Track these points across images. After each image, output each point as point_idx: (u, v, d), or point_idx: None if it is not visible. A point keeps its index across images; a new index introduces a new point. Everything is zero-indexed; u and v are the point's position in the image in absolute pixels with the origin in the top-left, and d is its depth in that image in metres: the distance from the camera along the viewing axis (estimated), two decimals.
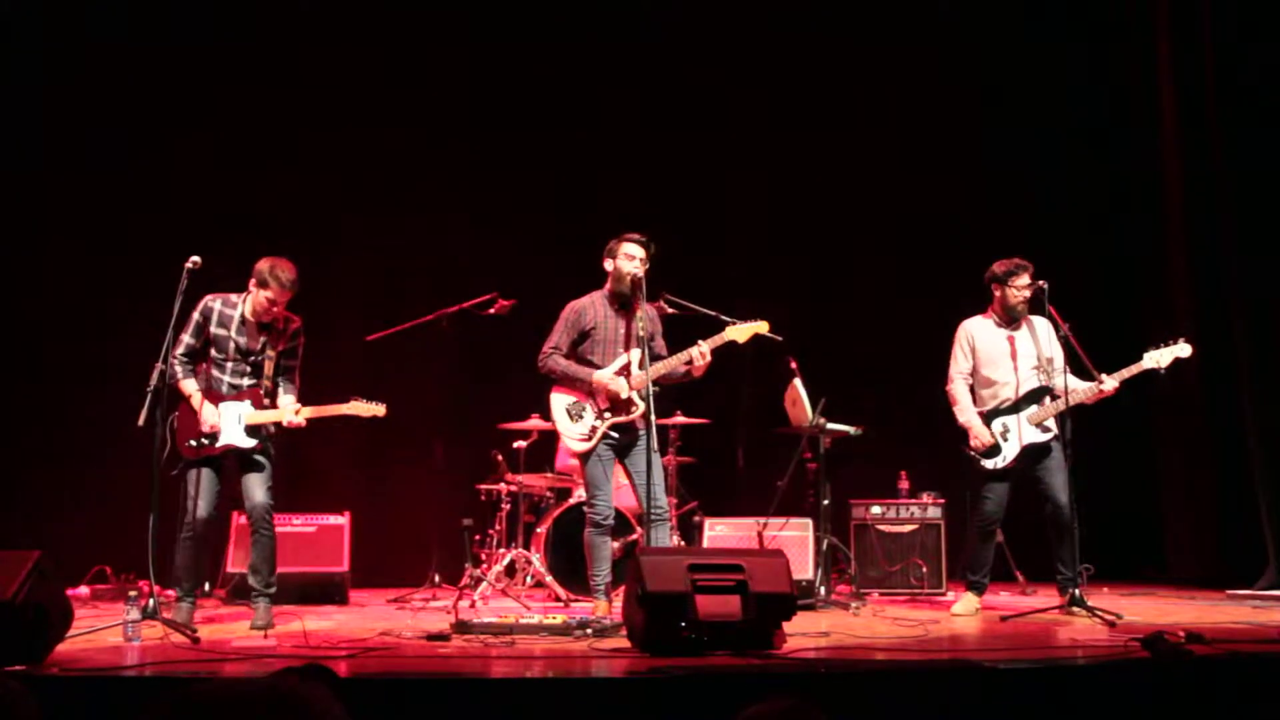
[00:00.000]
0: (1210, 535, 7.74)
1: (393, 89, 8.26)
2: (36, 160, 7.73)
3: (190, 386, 5.29)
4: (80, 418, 7.44)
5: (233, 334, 5.38)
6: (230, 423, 5.32)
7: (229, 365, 5.39)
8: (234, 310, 5.39)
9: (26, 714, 2.06)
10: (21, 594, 4.03)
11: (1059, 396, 5.88)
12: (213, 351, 5.37)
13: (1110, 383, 5.81)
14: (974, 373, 6.15)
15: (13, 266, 7.64)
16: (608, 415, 5.56)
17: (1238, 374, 7.48)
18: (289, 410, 5.35)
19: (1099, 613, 5.45)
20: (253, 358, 5.40)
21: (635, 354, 5.55)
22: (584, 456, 5.62)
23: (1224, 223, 7.62)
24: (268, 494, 5.39)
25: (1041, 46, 8.60)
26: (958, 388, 6.14)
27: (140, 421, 5.11)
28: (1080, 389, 5.86)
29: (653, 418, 5.28)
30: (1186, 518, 7.96)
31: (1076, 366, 5.96)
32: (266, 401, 5.39)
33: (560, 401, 5.68)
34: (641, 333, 5.48)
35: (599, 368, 5.62)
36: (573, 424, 5.63)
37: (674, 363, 5.54)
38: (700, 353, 5.46)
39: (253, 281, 5.32)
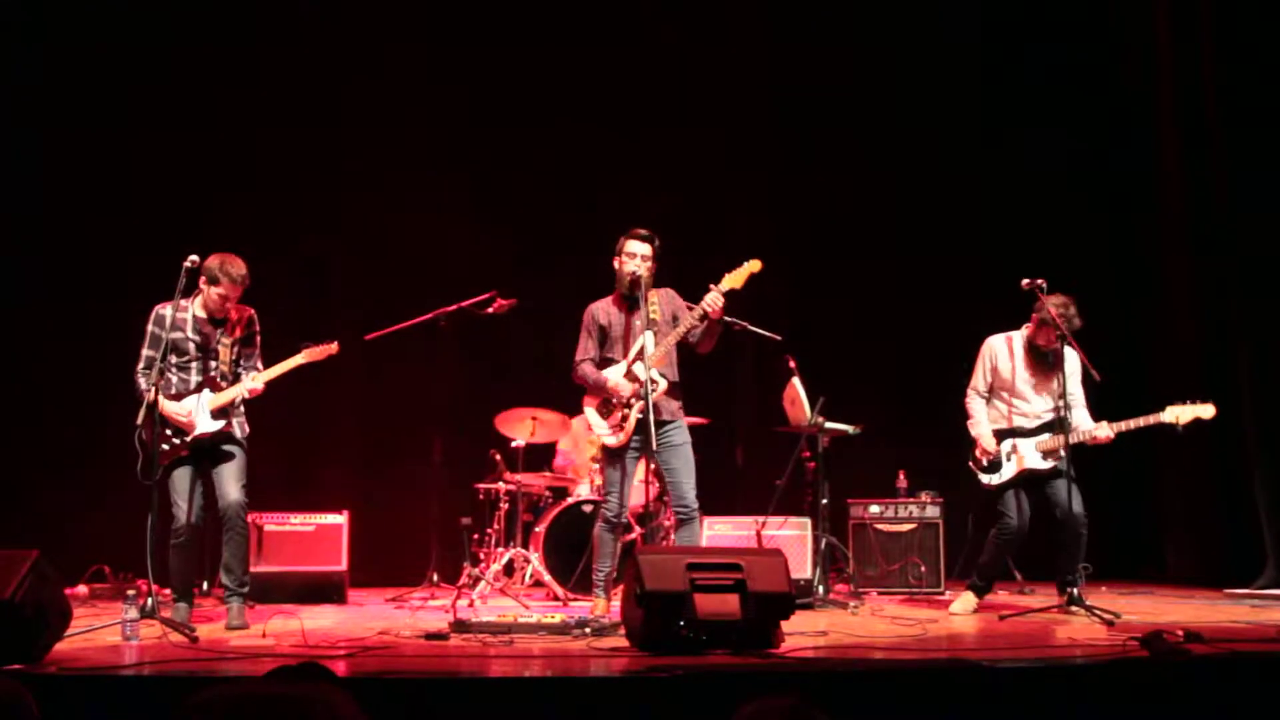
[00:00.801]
0: (1209, 534, 7.73)
1: (392, 88, 8.26)
2: (35, 160, 7.72)
3: (153, 394, 5.24)
4: (78, 418, 7.44)
5: (189, 334, 5.42)
6: (196, 412, 5.36)
7: (192, 365, 5.43)
8: (186, 313, 5.43)
9: (24, 713, 2.06)
10: (20, 593, 4.03)
11: (1073, 430, 5.83)
12: (172, 357, 5.39)
13: (1104, 431, 5.75)
14: (992, 390, 6.13)
15: (12, 267, 7.63)
16: (634, 401, 5.56)
17: (1236, 373, 7.48)
18: (246, 380, 5.41)
19: (1097, 612, 5.45)
20: (211, 352, 5.45)
21: (647, 336, 5.53)
22: (611, 453, 5.63)
23: (1223, 223, 7.62)
24: (241, 491, 5.40)
25: (1042, 46, 8.60)
26: (974, 402, 6.14)
27: (138, 421, 5.14)
28: (1081, 431, 5.80)
29: (650, 416, 5.26)
30: (1184, 517, 7.95)
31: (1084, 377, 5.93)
32: (224, 385, 5.42)
33: (592, 404, 5.71)
34: (655, 315, 5.49)
35: (618, 363, 5.66)
36: (604, 420, 5.64)
37: (682, 330, 5.50)
38: (710, 300, 5.40)
39: (203, 280, 5.37)
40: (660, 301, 5.60)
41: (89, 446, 7.30)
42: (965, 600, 6.02)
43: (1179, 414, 5.73)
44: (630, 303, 5.68)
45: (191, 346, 5.42)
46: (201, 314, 5.46)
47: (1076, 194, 8.63)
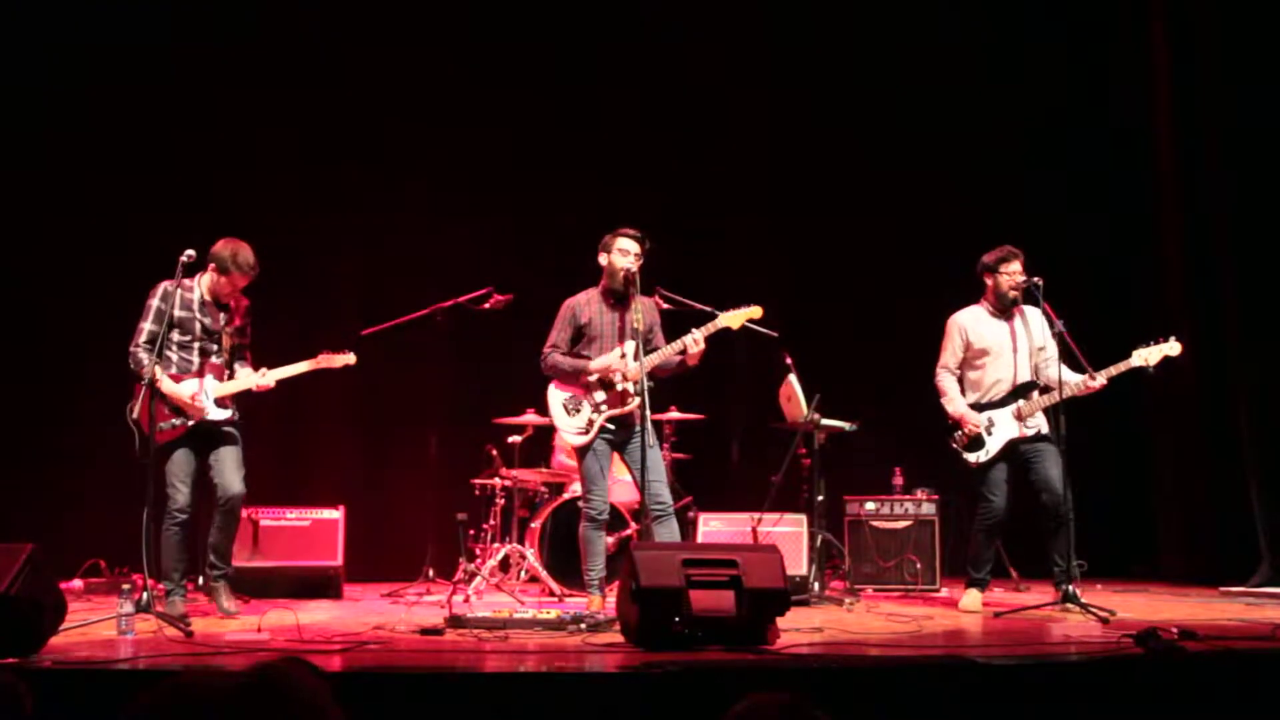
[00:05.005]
0: (1203, 532, 7.74)
1: (391, 86, 8.24)
2: (34, 160, 7.69)
3: (157, 372, 5.24)
4: (74, 412, 7.42)
5: (196, 314, 5.44)
6: (202, 398, 5.38)
7: (195, 345, 5.45)
8: (192, 293, 5.45)
9: (19, 707, 2.06)
10: (15, 587, 4.02)
11: (1047, 390, 5.88)
12: (176, 334, 5.41)
13: (1100, 379, 5.80)
14: (965, 364, 6.14)
15: (9, 265, 7.61)
16: (604, 408, 5.56)
17: (1231, 370, 7.49)
18: (255, 375, 5.45)
19: (1092, 609, 5.45)
20: (215, 335, 5.48)
21: (629, 346, 5.54)
22: (581, 450, 5.62)
23: (1218, 220, 7.63)
24: (242, 482, 5.45)
25: (1043, 46, 8.59)
26: (946, 380, 6.14)
27: (135, 414, 5.14)
28: (1071, 382, 5.86)
29: (648, 412, 5.27)
30: (1180, 514, 7.96)
31: (1071, 364, 5.95)
32: (227, 373, 5.47)
33: (557, 397, 5.69)
34: (637, 325, 5.47)
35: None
36: (570, 418, 5.63)
37: (668, 352, 5.53)
38: (694, 339, 5.45)
39: (212, 266, 5.40)
40: (642, 309, 5.56)
41: (85, 440, 7.28)
42: (971, 597, 6.01)
43: (1147, 355, 5.80)
44: (619, 301, 5.65)
45: (197, 327, 5.45)
46: (208, 297, 5.49)
47: (1076, 192, 8.62)
